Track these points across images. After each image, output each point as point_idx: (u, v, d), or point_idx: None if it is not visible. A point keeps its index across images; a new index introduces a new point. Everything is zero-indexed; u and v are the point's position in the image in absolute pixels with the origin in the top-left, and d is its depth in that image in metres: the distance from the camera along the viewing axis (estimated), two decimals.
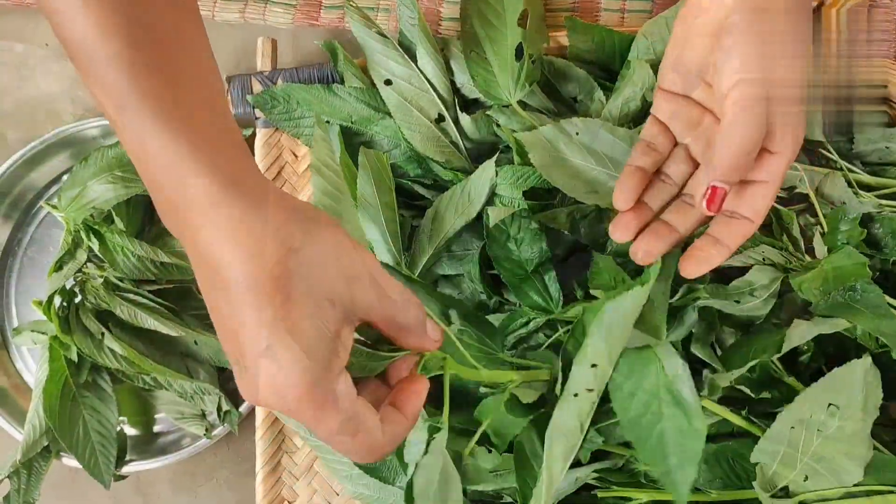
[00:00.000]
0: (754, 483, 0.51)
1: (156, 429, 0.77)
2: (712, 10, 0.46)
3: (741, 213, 0.48)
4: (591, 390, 0.46)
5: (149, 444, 0.76)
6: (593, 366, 0.46)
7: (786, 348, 0.51)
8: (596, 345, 0.46)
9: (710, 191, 0.46)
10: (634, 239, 0.50)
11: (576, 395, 0.46)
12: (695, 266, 0.48)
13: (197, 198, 0.35)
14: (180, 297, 0.74)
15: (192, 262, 0.37)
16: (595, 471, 0.55)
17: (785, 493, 0.52)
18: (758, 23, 0.44)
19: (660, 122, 0.52)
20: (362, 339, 0.42)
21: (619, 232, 0.50)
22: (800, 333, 0.51)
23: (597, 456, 0.56)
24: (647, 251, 0.49)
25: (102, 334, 0.69)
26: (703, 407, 0.48)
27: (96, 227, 0.70)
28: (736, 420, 0.53)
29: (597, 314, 0.45)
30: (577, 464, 0.54)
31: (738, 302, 0.54)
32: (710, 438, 0.54)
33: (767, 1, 0.44)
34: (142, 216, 0.74)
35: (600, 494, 0.55)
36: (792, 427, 0.50)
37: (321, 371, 0.35)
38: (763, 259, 0.56)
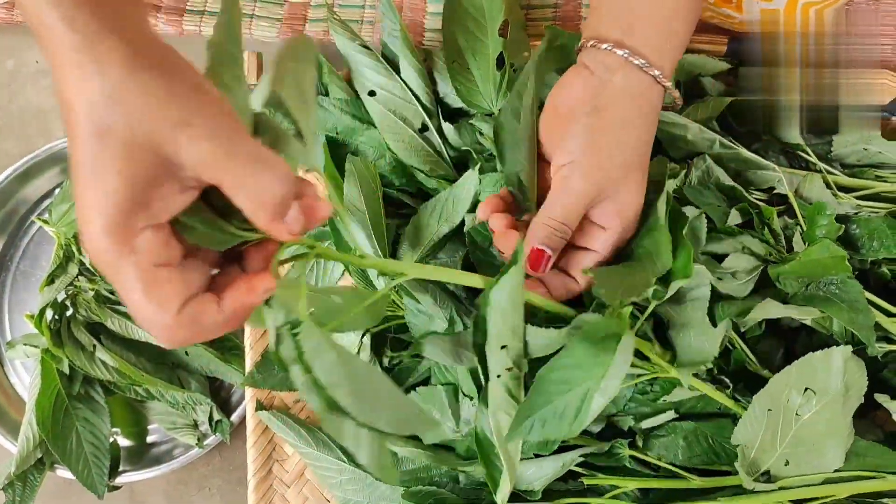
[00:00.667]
0: (737, 465, 0.53)
1: (148, 439, 0.77)
2: (568, 96, 0.52)
3: (572, 272, 0.54)
4: (510, 369, 0.50)
5: (142, 454, 0.76)
6: (503, 347, 0.49)
7: (752, 317, 0.53)
8: (497, 328, 0.49)
9: (533, 253, 0.51)
10: None
11: (499, 376, 0.50)
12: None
13: (57, 40, 0.33)
14: None
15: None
16: (582, 455, 0.56)
17: (767, 477, 0.53)
18: (595, 118, 0.50)
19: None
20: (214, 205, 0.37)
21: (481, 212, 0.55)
22: (769, 309, 0.52)
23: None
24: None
25: (94, 346, 0.70)
26: (690, 387, 0.52)
27: None
28: (719, 398, 0.54)
29: (488, 302, 0.48)
30: (562, 449, 0.55)
31: (720, 279, 0.55)
32: (694, 416, 0.56)
33: (605, 101, 0.50)
34: None
35: (587, 482, 0.57)
36: (769, 409, 0.51)
37: (119, 219, 0.33)
38: (742, 248, 0.57)
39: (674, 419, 0.56)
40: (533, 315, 0.52)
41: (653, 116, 0.52)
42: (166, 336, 0.35)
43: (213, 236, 0.37)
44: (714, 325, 0.52)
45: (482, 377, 0.50)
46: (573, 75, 0.52)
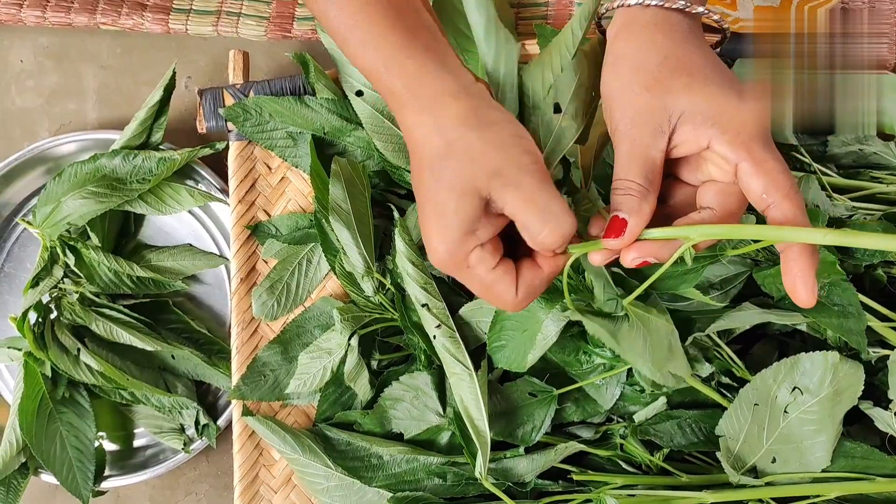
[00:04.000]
0: (719, 455, 0.53)
1: (135, 444, 0.76)
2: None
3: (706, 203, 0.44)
4: (439, 326, 0.57)
5: (127, 459, 0.75)
6: (423, 305, 0.57)
7: (717, 327, 0.53)
8: (412, 292, 0.58)
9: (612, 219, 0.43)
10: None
11: (434, 336, 0.57)
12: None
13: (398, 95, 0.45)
14: (157, 310, 0.74)
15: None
16: (578, 440, 0.57)
17: (754, 473, 0.53)
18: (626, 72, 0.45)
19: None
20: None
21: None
22: (744, 316, 0.52)
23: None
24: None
25: (78, 350, 0.69)
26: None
27: (72, 242, 0.70)
28: (706, 390, 0.55)
29: (401, 274, 0.58)
30: (557, 427, 0.56)
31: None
32: (686, 406, 0.58)
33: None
34: (117, 231, 0.74)
35: (576, 478, 0.57)
36: (756, 404, 0.52)
37: (455, 246, 0.43)
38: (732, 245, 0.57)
39: (666, 410, 0.56)
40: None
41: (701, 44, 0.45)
42: (516, 309, 0.46)
43: None
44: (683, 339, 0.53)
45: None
46: (608, 72, 0.46)
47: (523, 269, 0.46)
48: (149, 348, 0.69)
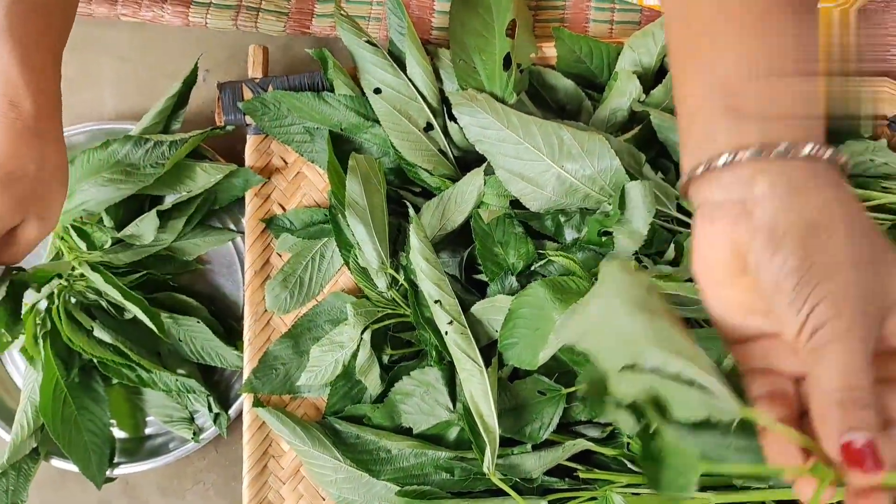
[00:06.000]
0: None
1: (145, 432, 0.77)
2: (719, 250, 0.35)
3: None
4: (451, 322, 0.58)
5: (137, 447, 0.76)
6: (436, 302, 0.58)
7: None
8: (425, 288, 0.59)
9: (846, 451, 0.32)
10: None
11: (446, 332, 0.58)
12: None
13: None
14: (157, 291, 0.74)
15: None
16: (585, 438, 0.58)
17: None
18: (783, 255, 0.33)
19: (758, 371, 0.37)
20: None
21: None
22: None
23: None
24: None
25: (92, 327, 0.69)
26: None
27: (84, 227, 0.70)
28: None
29: (414, 270, 0.60)
30: (564, 425, 0.57)
31: None
32: None
33: (774, 226, 0.33)
34: (132, 215, 0.74)
35: (582, 475, 0.58)
36: None
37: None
38: None
39: None
40: None
41: (838, 198, 0.33)
42: None
43: None
44: None
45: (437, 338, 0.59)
46: (702, 226, 0.36)
47: None
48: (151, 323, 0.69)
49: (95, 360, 0.70)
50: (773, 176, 0.32)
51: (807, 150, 0.32)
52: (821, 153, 0.33)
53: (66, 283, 0.71)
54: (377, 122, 0.66)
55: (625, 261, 0.53)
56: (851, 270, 0.32)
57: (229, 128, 0.69)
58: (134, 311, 0.68)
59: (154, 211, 0.70)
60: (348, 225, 0.62)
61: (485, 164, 0.63)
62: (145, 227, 0.70)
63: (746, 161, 0.33)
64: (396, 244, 0.64)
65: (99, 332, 0.70)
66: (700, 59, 0.35)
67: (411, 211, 0.63)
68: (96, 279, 0.68)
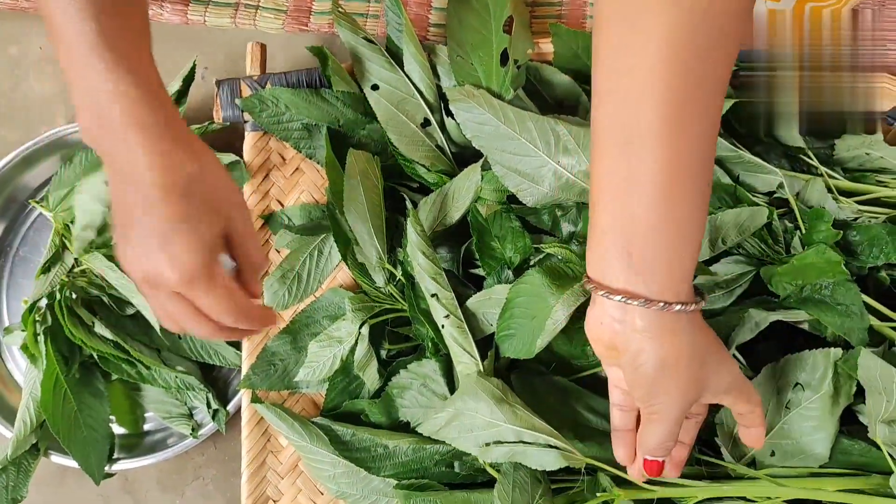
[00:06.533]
0: (718, 442, 0.55)
1: (144, 428, 0.77)
2: (602, 331, 0.47)
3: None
4: (447, 316, 0.59)
5: (136, 442, 0.76)
6: (433, 295, 0.59)
7: (738, 341, 0.54)
8: (423, 282, 0.59)
9: (647, 464, 0.50)
10: None
11: (443, 326, 0.59)
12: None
13: (127, 112, 0.46)
14: None
15: (106, 159, 0.49)
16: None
17: (753, 465, 0.55)
18: (633, 371, 0.47)
19: (617, 387, 0.52)
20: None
21: (636, 474, 0.53)
22: (754, 324, 0.53)
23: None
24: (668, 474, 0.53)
25: (93, 322, 0.70)
26: None
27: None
28: None
29: (412, 265, 0.60)
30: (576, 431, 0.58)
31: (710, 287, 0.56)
32: None
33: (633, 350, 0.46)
34: None
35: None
36: None
37: (206, 257, 0.48)
38: (738, 247, 0.57)
39: None
40: None
41: (688, 341, 0.46)
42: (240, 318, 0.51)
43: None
44: None
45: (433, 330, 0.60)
46: (593, 314, 0.48)
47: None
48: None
49: (96, 356, 0.71)
50: (648, 321, 0.44)
51: (677, 308, 0.44)
52: (687, 308, 0.44)
53: (67, 279, 0.72)
54: (375, 118, 0.66)
55: (481, 374, 0.57)
56: (678, 394, 0.46)
57: (226, 122, 0.69)
58: (137, 301, 0.69)
59: None
60: (346, 221, 0.62)
61: (482, 160, 0.63)
62: None
63: (634, 307, 0.44)
64: (394, 240, 0.65)
65: (100, 328, 0.70)
66: (616, 189, 0.43)
67: (409, 205, 0.63)
68: (98, 260, 0.68)
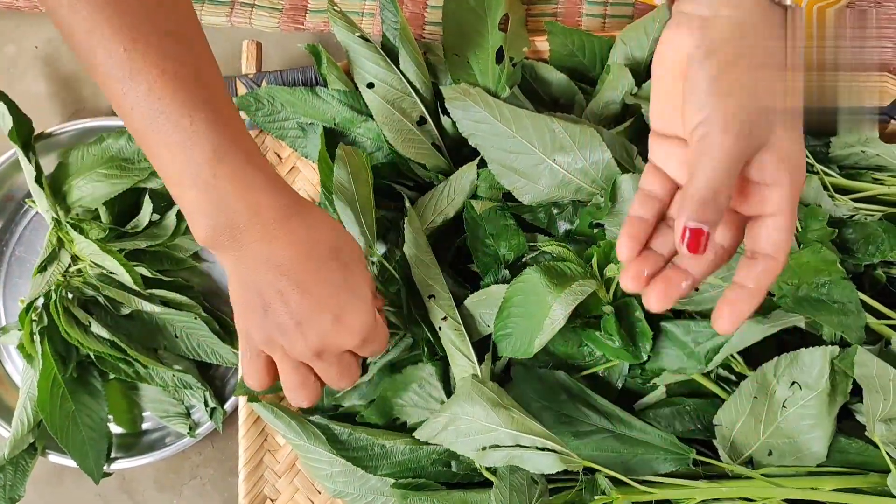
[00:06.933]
0: (715, 442, 0.54)
1: (141, 427, 0.77)
2: (676, 52, 0.44)
3: (760, 250, 0.43)
4: (445, 318, 0.59)
5: (133, 442, 0.76)
6: (430, 297, 0.59)
7: (728, 351, 0.54)
8: (420, 282, 0.60)
9: (687, 233, 0.41)
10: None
11: (440, 328, 0.59)
12: (729, 320, 0.43)
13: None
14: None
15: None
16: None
17: (750, 465, 0.55)
18: (711, 64, 0.42)
19: (655, 167, 0.47)
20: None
21: (629, 282, 0.45)
22: (746, 337, 0.54)
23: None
24: (659, 299, 0.44)
25: (89, 322, 0.70)
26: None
27: (80, 223, 0.71)
28: (706, 382, 0.57)
29: (409, 263, 0.60)
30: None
31: (697, 290, 0.56)
32: (685, 396, 0.58)
33: (715, 42, 0.42)
34: (128, 209, 0.74)
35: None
36: (755, 397, 0.53)
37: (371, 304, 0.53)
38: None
39: (666, 398, 0.58)
40: None
41: (782, 44, 0.42)
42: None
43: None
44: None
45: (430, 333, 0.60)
46: (671, 30, 0.44)
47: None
48: (157, 309, 0.70)
49: (93, 356, 0.71)
50: (733, 8, 0.41)
51: None
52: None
53: (63, 279, 0.72)
54: (371, 116, 0.66)
55: (477, 378, 0.57)
56: (748, 98, 0.40)
57: None
58: (137, 295, 0.69)
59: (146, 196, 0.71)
60: (335, 211, 0.62)
61: (478, 158, 0.63)
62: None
63: None
64: (389, 240, 0.65)
65: (96, 328, 0.70)
66: None
67: (407, 203, 0.63)
68: (89, 247, 0.68)
